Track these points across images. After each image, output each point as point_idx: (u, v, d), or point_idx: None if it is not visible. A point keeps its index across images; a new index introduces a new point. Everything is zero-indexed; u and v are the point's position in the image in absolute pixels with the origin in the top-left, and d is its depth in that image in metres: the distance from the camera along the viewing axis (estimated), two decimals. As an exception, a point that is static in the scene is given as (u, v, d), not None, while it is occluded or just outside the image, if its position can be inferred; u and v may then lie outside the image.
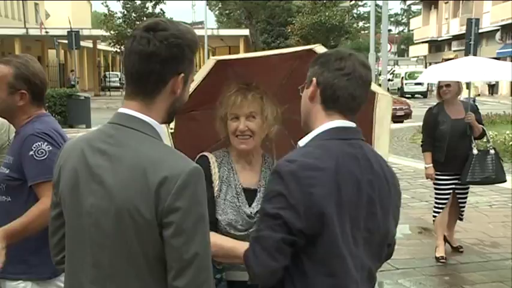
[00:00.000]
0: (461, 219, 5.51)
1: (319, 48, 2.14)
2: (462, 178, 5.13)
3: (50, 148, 2.24)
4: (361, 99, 1.69)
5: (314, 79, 1.67)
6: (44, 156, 2.22)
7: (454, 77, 5.27)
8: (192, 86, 2.07)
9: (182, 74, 1.46)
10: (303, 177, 1.53)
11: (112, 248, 1.41)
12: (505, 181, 5.43)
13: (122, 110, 1.48)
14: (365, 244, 1.64)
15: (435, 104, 5.34)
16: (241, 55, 2.27)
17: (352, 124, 1.68)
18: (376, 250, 1.69)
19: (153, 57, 1.41)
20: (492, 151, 5.21)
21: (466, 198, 5.41)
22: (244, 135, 2.05)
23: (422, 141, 5.39)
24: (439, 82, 5.24)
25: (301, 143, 1.69)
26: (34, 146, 2.23)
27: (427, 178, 5.34)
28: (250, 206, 2.09)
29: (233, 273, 2.09)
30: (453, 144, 5.04)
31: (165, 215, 1.35)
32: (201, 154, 2.16)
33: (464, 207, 5.43)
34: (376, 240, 1.67)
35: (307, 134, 1.70)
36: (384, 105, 2.35)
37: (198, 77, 2.12)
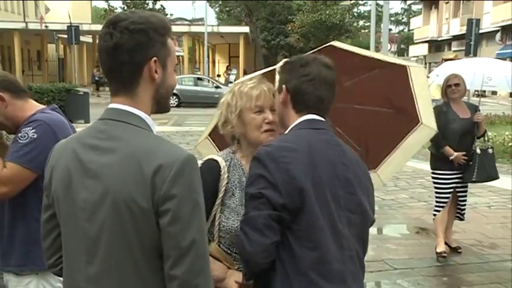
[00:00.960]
0: (462, 219, 5.50)
1: (414, 70, 2.25)
2: (467, 177, 5.16)
3: (35, 136, 2.20)
4: (328, 100, 1.85)
5: (284, 86, 1.86)
6: (25, 140, 2.20)
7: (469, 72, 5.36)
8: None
9: (155, 58, 1.44)
10: (279, 156, 1.70)
11: (107, 242, 1.40)
12: (498, 178, 5.49)
13: (110, 105, 1.48)
14: (349, 225, 1.75)
15: (440, 103, 5.31)
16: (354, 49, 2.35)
17: (322, 118, 1.84)
18: (360, 232, 1.80)
19: (118, 49, 1.40)
20: (491, 150, 5.27)
21: (466, 197, 5.45)
22: (271, 128, 1.99)
23: (431, 141, 5.13)
24: (447, 81, 5.22)
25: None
26: (22, 130, 2.23)
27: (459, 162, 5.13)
28: None
29: None
30: (461, 143, 5.08)
31: (161, 203, 1.35)
32: (209, 157, 2.06)
33: (465, 206, 5.45)
34: (358, 222, 1.78)
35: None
36: (420, 79, 2.46)
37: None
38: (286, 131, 1.86)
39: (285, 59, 2.00)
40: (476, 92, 31.37)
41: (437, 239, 5.28)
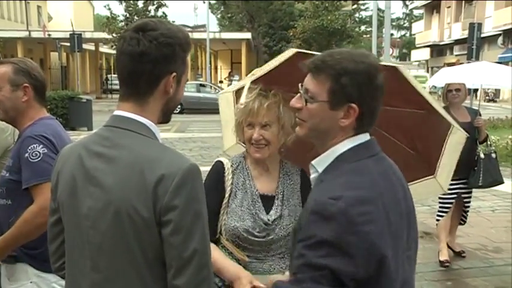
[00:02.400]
0: (463, 224, 5.49)
1: (456, 135, 2.16)
2: (472, 182, 5.15)
3: (45, 151, 2.23)
4: None
5: (355, 106, 1.42)
6: (37, 158, 2.21)
7: (466, 79, 5.32)
8: (265, 70, 2.07)
9: (174, 74, 1.45)
10: (356, 214, 1.32)
11: (111, 249, 1.40)
12: (503, 183, 5.47)
13: (116, 112, 1.48)
14: (409, 261, 1.51)
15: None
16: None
17: (368, 135, 1.51)
18: (414, 262, 1.58)
19: (144, 57, 1.40)
20: (494, 155, 5.26)
21: (470, 202, 5.43)
22: (259, 144, 2.02)
23: None
24: (448, 86, 5.22)
25: (318, 164, 1.51)
26: (30, 148, 2.23)
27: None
28: (268, 213, 2.05)
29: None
30: (463, 151, 5.02)
31: (163, 213, 1.35)
32: (217, 159, 2.14)
33: (468, 211, 5.43)
34: (414, 258, 1.56)
35: (319, 150, 1.52)
36: (456, 140, 2.33)
37: (275, 62, 2.06)
38: (329, 154, 1.48)
39: (332, 61, 1.46)
40: (486, 97, 31.42)
41: (440, 246, 5.26)
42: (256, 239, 2.01)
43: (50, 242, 1.63)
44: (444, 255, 5.15)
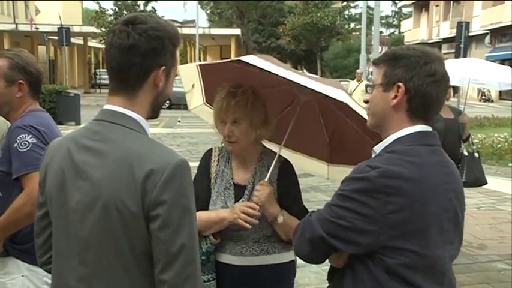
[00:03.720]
0: None
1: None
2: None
3: (34, 140, 2.23)
4: (443, 102, 1.63)
5: (402, 85, 1.54)
6: (26, 147, 2.21)
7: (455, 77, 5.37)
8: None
9: (164, 67, 1.46)
10: (383, 185, 1.45)
11: (98, 244, 1.41)
12: (487, 183, 5.53)
13: (106, 106, 1.48)
14: (449, 259, 1.62)
15: None
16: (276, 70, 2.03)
17: (430, 128, 1.61)
18: (453, 258, 1.67)
19: (133, 50, 1.41)
20: (477, 154, 5.33)
21: None
22: (230, 139, 2.15)
23: None
24: None
25: (377, 148, 1.61)
26: (18, 138, 2.23)
27: None
28: (236, 201, 2.18)
29: (224, 256, 2.20)
30: (447, 145, 5.08)
31: (152, 208, 1.35)
32: (211, 147, 2.34)
33: None
34: (455, 253, 1.66)
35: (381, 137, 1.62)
36: None
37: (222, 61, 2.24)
38: (388, 139, 1.59)
39: (390, 50, 1.68)
40: (483, 97, 31.68)
41: None
42: None
43: (36, 236, 1.63)
44: None
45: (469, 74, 6.10)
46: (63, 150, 1.48)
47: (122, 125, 1.44)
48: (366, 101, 1.66)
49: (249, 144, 2.17)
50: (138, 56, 1.42)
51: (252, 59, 1.99)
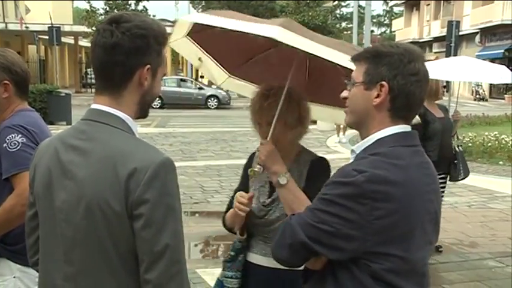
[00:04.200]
0: None
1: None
2: (455, 176, 5.28)
3: (24, 140, 2.21)
4: (424, 101, 1.60)
5: (385, 84, 1.50)
6: (16, 147, 2.19)
7: (450, 75, 5.41)
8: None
9: (148, 66, 1.45)
10: (370, 191, 1.41)
11: (83, 243, 1.41)
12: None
13: (93, 106, 1.48)
14: (428, 254, 1.60)
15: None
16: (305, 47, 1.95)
17: (410, 128, 1.58)
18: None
19: (117, 48, 1.40)
20: (461, 147, 5.46)
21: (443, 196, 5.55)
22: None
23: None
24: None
25: (357, 148, 1.58)
26: (8, 138, 2.20)
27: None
28: (269, 197, 2.22)
29: (253, 256, 2.25)
30: (443, 143, 5.16)
31: (135, 206, 1.35)
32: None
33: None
34: (431, 251, 1.65)
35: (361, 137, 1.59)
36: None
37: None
38: (369, 139, 1.55)
39: (371, 46, 1.62)
40: (477, 96, 31.81)
41: None
42: (256, 220, 2.21)
43: (27, 236, 1.62)
44: None
45: (464, 72, 6.13)
46: (51, 150, 1.48)
47: (108, 124, 1.43)
48: (345, 98, 1.61)
49: (285, 144, 2.16)
50: (122, 54, 1.41)
51: (204, 18, 2.02)
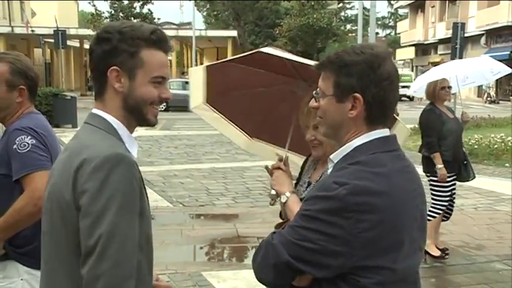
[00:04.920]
0: (446, 220, 5.54)
1: None
2: (465, 176, 5.31)
3: (34, 141, 2.23)
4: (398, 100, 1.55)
5: (359, 96, 1.44)
6: (26, 149, 2.21)
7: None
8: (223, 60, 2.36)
9: (114, 67, 1.46)
10: (354, 203, 1.36)
11: (49, 238, 1.47)
12: None
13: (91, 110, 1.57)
14: (418, 261, 1.56)
15: (428, 105, 5.32)
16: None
17: (388, 131, 1.52)
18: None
19: (91, 55, 1.50)
20: (465, 150, 5.49)
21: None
22: (313, 143, 2.18)
23: (427, 143, 5.21)
24: (441, 83, 5.24)
25: (335, 158, 1.53)
26: (18, 139, 2.22)
27: (441, 180, 5.15)
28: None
29: None
30: (457, 143, 5.19)
31: (78, 197, 1.36)
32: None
33: (453, 206, 5.50)
34: (422, 256, 1.61)
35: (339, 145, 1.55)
36: (399, 135, 2.43)
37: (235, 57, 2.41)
38: (346, 148, 1.50)
39: (332, 56, 1.53)
40: (488, 99, 31.75)
41: (428, 242, 5.27)
42: None
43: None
44: (436, 251, 5.24)
45: (457, 73, 6.11)
46: (61, 153, 1.58)
47: (92, 124, 1.50)
48: (315, 108, 1.56)
49: (332, 148, 2.17)
50: (94, 60, 1.50)
51: (269, 50, 2.18)
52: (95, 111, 1.53)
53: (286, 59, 2.23)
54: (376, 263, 1.40)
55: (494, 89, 31.22)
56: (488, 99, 31.02)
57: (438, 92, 5.22)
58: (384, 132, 1.50)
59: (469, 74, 6.34)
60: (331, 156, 1.55)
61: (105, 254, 1.30)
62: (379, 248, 1.39)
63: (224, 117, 2.66)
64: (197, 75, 2.60)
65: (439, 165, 5.09)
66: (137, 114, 1.51)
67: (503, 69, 6.08)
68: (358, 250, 1.37)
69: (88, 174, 1.34)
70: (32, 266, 2.26)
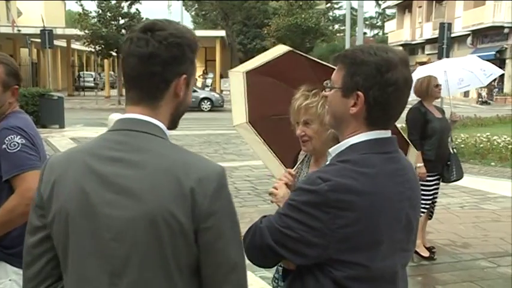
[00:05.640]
0: (430, 218, 5.59)
1: None
2: (447, 177, 5.31)
3: (23, 141, 2.23)
4: (406, 105, 1.56)
5: (361, 95, 1.48)
6: (16, 148, 2.20)
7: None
8: (255, 64, 2.39)
9: (184, 75, 1.39)
10: (334, 199, 1.41)
11: (140, 260, 1.30)
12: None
13: (127, 115, 1.38)
14: (402, 266, 1.61)
15: (417, 103, 5.34)
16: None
17: (389, 133, 1.55)
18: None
19: (153, 58, 1.34)
20: (455, 149, 5.46)
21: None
22: (303, 139, 2.25)
23: (410, 141, 5.24)
24: (432, 81, 5.26)
25: (333, 152, 1.58)
26: (7, 139, 2.21)
27: (421, 179, 5.13)
28: None
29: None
30: (441, 143, 5.20)
31: (204, 219, 1.29)
32: (299, 149, 2.43)
33: (435, 205, 5.54)
34: (407, 260, 1.63)
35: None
36: (410, 159, 2.50)
37: (267, 57, 2.41)
38: (344, 143, 1.55)
39: (349, 51, 1.58)
40: (480, 100, 31.90)
41: (417, 242, 5.30)
42: None
43: (29, 265, 1.43)
44: (425, 251, 5.29)
45: (453, 76, 6.19)
46: (77, 165, 1.35)
47: (150, 133, 1.35)
48: (326, 96, 1.63)
49: (321, 144, 2.22)
50: (158, 65, 1.34)
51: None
52: (145, 117, 1.36)
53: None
54: (350, 258, 1.46)
55: (486, 90, 31.38)
56: (480, 99, 31.17)
57: (432, 89, 5.22)
58: (383, 133, 1.53)
59: (464, 77, 6.40)
60: (330, 150, 1.61)
61: (244, 267, 1.38)
62: (354, 244, 1.44)
63: (264, 142, 2.67)
64: (237, 84, 2.58)
65: (419, 164, 5.10)
66: (177, 121, 1.47)
67: (495, 71, 6.15)
68: (334, 244, 1.44)
69: (212, 194, 1.30)
70: (20, 267, 2.25)
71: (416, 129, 5.17)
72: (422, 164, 5.12)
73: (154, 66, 1.34)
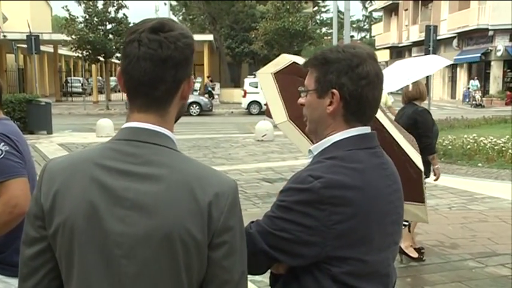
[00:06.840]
0: None
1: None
2: (427, 174, 5.36)
3: (7, 148, 2.20)
4: (380, 100, 1.58)
5: (336, 92, 1.50)
6: (1, 155, 2.18)
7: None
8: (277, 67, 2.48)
9: (192, 76, 1.35)
10: (328, 196, 1.41)
11: (153, 278, 1.24)
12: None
13: (136, 124, 1.29)
14: (393, 259, 1.61)
15: (418, 106, 5.32)
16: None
17: (369, 129, 1.57)
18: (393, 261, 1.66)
19: (168, 62, 1.25)
20: None
21: None
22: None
23: (428, 144, 5.10)
24: (423, 84, 5.42)
25: (314, 150, 1.58)
26: None
27: (437, 179, 5.34)
28: None
29: None
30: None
31: (218, 234, 1.25)
32: None
33: None
34: (393, 256, 1.64)
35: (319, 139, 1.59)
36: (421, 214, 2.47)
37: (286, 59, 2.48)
38: (326, 141, 1.55)
39: (318, 53, 1.59)
40: (474, 102, 32.02)
41: (405, 244, 5.31)
42: None
43: (25, 278, 1.33)
44: (415, 253, 5.33)
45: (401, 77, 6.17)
46: (83, 176, 1.25)
47: (161, 144, 1.27)
48: (302, 104, 1.61)
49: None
50: (172, 68, 1.26)
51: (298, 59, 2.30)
52: (154, 127, 1.28)
53: None
54: (347, 253, 1.46)
55: (480, 93, 31.44)
56: (474, 102, 31.19)
57: (424, 93, 5.37)
58: (362, 129, 1.55)
59: (411, 73, 6.39)
60: (311, 148, 1.60)
61: (246, 283, 1.35)
62: (350, 239, 1.45)
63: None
64: (268, 84, 2.61)
65: (437, 165, 5.27)
66: (174, 122, 1.41)
67: (443, 61, 6.23)
68: (331, 241, 1.43)
69: (228, 210, 1.26)
70: (4, 274, 2.24)
71: (430, 130, 5.17)
72: (438, 166, 5.27)
73: (168, 70, 1.26)
